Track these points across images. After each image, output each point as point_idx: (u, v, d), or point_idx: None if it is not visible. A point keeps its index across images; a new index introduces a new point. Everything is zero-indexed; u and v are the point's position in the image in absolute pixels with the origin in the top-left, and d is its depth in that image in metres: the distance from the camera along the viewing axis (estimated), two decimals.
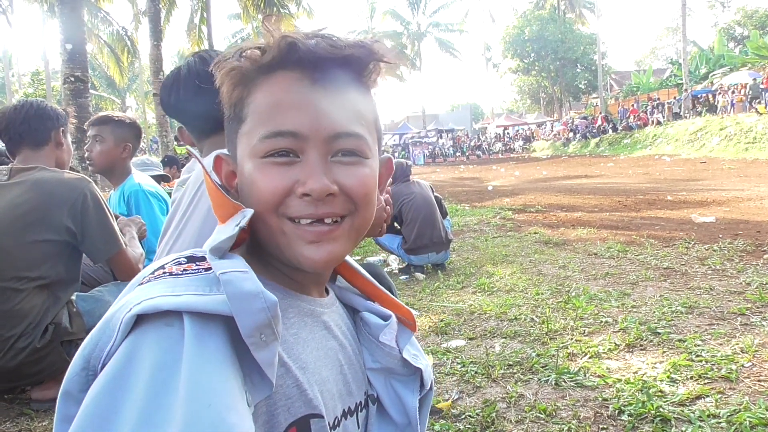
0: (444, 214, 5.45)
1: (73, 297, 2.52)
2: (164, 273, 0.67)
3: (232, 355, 0.61)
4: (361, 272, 0.93)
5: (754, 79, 26.48)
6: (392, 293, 1.16)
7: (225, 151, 0.82)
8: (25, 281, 2.33)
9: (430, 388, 0.95)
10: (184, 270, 0.67)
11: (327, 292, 0.89)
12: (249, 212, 0.72)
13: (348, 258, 0.91)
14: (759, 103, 24.37)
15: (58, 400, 0.64)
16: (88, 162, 3.33)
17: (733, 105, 26.13)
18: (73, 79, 8.16)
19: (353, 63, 0.76)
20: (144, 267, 2.73)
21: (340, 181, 0.73)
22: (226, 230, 0.72)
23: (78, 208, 2.41)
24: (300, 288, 0.81)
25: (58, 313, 2.41)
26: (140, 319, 0.60)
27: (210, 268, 0.67)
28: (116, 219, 2.66)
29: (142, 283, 0.67)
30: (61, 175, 2.48)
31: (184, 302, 0.60)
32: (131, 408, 0.55)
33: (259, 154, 0.73)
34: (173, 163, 7.59)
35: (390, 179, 0.92)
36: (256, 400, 0.64)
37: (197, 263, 0.68)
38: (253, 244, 0.79)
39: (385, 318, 0.90)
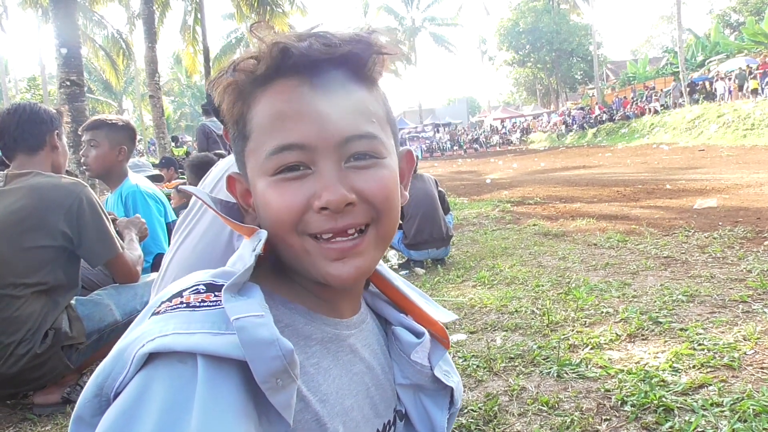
0: (446, 210, 5.44)
1: (73, 301, 2.51)
2: (181, 303, 0.64)
3: (246, 397, 0.59)
4: (394, 283, 0.89)
5: (740, 68, 26.70)
6: None
7: (236, 170, 0.79)
8: (23, 287, 2.32)
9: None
10: (202, 301, 0.64)
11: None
12: (263, 234, 0.70)
13: (382, 267, 0.87)
14: (750, 79, 24.62)
15: (70, 424, 0.63)
16: (84, 167, 3.31)
17: (730, 92, 26.19)
18: (68, 83, 8.16)
19: (352, 60, 0.71)
20: (142, 270, 2.74)
21: (357, 188, 0.69)
22: (245, 255, 0.69)
23: (74, 212, 2.40)
24: (328, 307, 0.77)
25: (57, 318, 2.40)
26: (154, 354, 0.59)
27: None
28: (115, 221, 2.65)
29: (158, 312, 0.64)
30: (56, 179, 2.47)
31: (197, 344, 0.58)
32: None
33: (268, 172, 0.70)
34: (170, 165, 7.60)
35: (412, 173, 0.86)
36: None
37: (216, 293, 0.65)
38: (277, 260, 0.76)
39: (419, 335, 0.86)
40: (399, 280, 0.90)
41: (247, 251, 0.70)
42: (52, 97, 29.03)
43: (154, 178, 4.36)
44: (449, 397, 0.89)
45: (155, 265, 3.18)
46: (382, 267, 0.88)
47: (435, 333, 0.88)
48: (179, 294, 0.66)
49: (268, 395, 0.59)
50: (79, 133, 3.40)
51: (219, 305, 0.63)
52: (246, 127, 0.72)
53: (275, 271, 0.76)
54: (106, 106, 36.91)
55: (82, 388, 2.53)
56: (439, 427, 0.88)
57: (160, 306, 0.65)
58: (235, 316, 0.60)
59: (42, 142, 2.58)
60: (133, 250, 2.66)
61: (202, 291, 0.66)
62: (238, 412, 0.57)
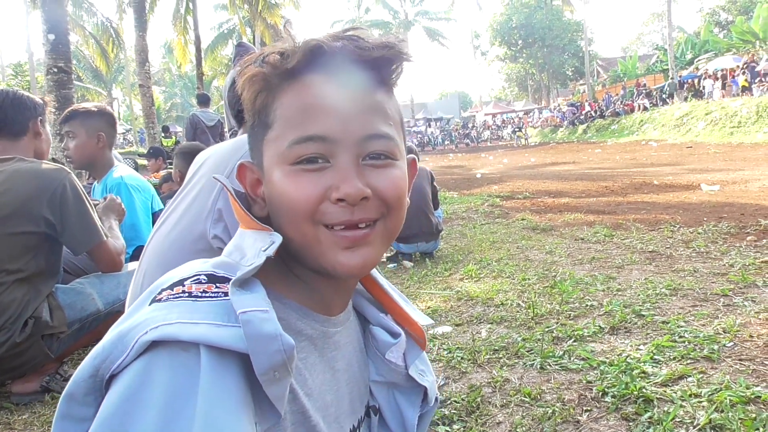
0: (435, 206, 5.44)
1: (54, 289, 2.49)
2: (183, 292, 0.65)
3: (245, 388, 0.61)
4: (379, 282, 0.92)
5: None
6: None
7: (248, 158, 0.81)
8: (5, 274, 2.29)
9: (435, 401, 0.95)
10: (204, 291, 0.66)
11: None
12: (278, 238, 0.72)
13: None
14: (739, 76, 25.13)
15: (60, 400, 0.63)
16: (68, 159, 3.28)
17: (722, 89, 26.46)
18: (56, 69, 8.07)
19: (381, 65, 0.75)
20: (125, 258, 2.72)
21: (372, 185, 0.72)
22: (244, 248, 0.72)
23: (57, 198, 2.36)
24: (320, 302, 0.79)
25: (38, 307, 2.37)
26: (156, 341, 0.60)
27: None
28: (95, 206, 2.62)
29: (159, 299, 0.65)
30: (38, 165, 2.43)
31: (202, 335, 0.60)
32: None
33: (288, 161, 0.72)
34: (158, 155, 7.57)
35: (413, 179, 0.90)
36: (264, 428, 0.65)
37: (218, 285, 0.67)
38: (278, 256, 0.77)
39: (395, 335, 0.89)
40: (383, 279, 0.93)
41: (248, 244, 0.73)
42: (39, 84, 28.72)
43: None
44: (422, 394, 0.92)
45: (134, 258, 3.15)
46: None
47: (412, 333, 0.91)
48: (180, 282, 0.67)
49: (265, 387, 0.61)
50: (57, 127, 3.35)
51: (221, 297, 0.65)
52: (269, 116, 0.74)
53: (273, 266, 0.77)
54: (95, 94, 36.58)
55: (61, 377, 2.51)
56: (409, 424, 0.90)
57: (161, 293, 0.66)
58: (241, 309, 0.62)
59: (25, 128, 2.54)
60: (115, 239, 2.63)
61: (203, 281, 0.67)
62: (240, 401, 0.59)
